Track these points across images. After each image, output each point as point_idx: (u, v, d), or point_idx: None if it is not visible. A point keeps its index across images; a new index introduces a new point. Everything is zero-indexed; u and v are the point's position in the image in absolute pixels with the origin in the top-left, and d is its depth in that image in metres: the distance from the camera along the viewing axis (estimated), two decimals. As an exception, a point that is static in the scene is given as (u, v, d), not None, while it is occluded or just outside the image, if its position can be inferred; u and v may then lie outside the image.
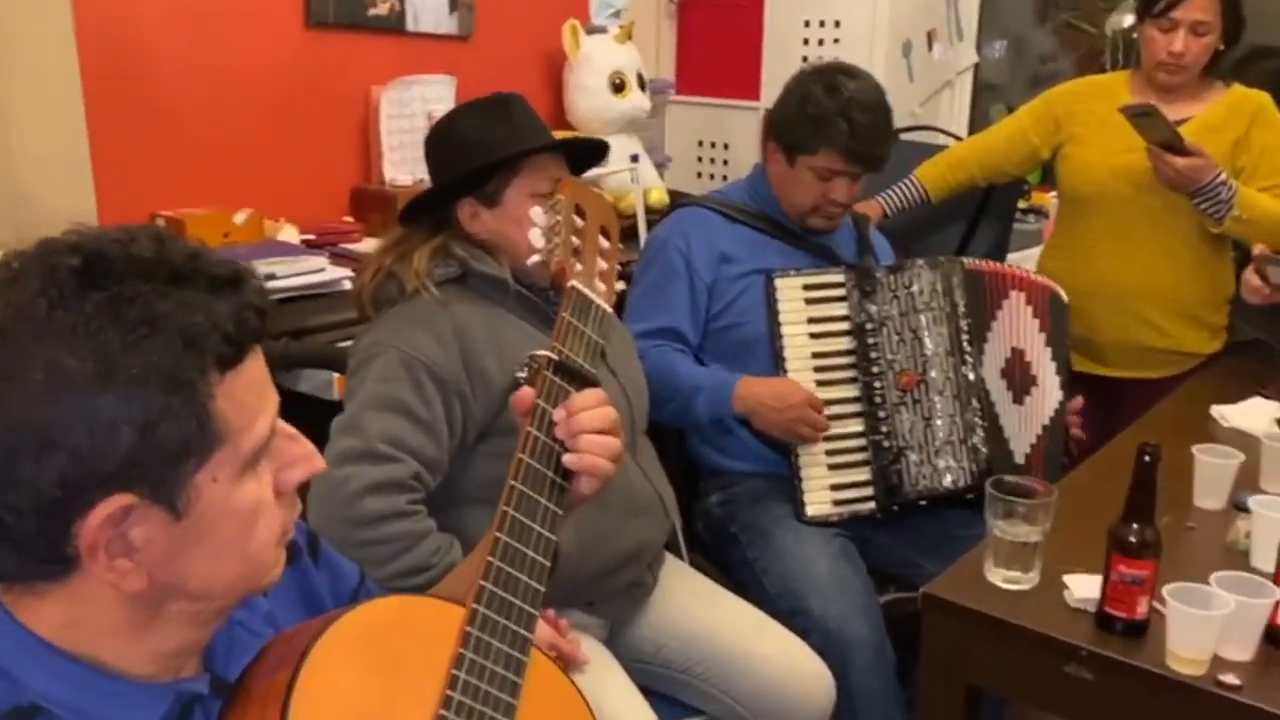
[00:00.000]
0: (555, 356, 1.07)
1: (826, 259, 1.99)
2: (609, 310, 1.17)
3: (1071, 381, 1.99)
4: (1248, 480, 1.70)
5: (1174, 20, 2.22)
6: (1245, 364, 2.32)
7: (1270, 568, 1.34)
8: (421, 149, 1.64)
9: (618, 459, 1.07)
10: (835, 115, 1.87)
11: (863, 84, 1.92)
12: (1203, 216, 2.23)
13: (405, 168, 2.60)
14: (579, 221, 1.22)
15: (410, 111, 2.62)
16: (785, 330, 1.85)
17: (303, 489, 0.83)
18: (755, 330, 1.91)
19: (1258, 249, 2.16)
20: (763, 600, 1.77)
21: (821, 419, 1.81)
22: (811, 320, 1.87)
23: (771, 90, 3.35)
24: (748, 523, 1.91)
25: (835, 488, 1.85)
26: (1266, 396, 2.05)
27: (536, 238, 1.20)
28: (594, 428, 1.05)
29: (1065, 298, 1.99)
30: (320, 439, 1.45)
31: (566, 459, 1.04)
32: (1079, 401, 2.02)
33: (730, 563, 1.92)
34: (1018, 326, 1.95)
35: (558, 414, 1.02)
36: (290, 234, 2.35)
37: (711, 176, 3.57)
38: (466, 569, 1.13)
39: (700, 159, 3.61)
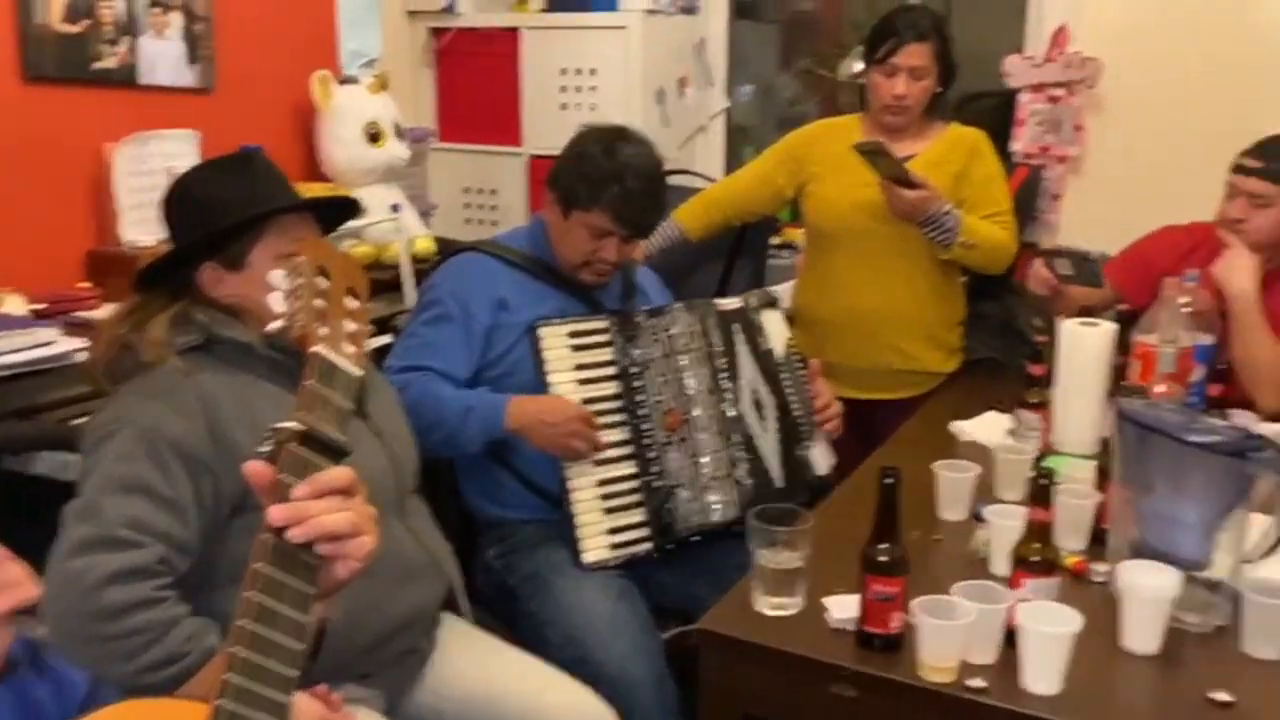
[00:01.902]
0: (299, 428, 1.02)
1: (592, 306, 2.02)
2: (360, 374, 1.14)
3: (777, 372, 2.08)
4: (987, 490, 1.83)
5: (894, 66, 2.40)
6: (979, 381, 2.52)
7: (1007, 572, 1.45)
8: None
9: (367, 556, 1.02)
10: (610, 178, 1.92)
11: (641, 151, 1.97)
12: (933, 244, 2.41)
13: (146, 228, 2.45)
14: (322, 282, 1.17)
15: (149, 168, 2.47)
16: (552, 379, 1.85)
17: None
18: (528, 380, 1.90)
19: (1047, 243, 2.35)
20: (547, 652, 1.76)
21: (595, 434, 1.82)
22: (579, 367, 1.88)
23: (533, 137, 3.42)
24: (527, 574, 1.90)
25: (612, 531, 1.86)
26: (998, 410, 2.22)
27: (277, 302, 1.14)
28: (334, 530, 0.99)
29: (741, 304, 2.10)
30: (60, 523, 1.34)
31: (318, 547, 0.98)
32: (816, 365, 2.12)
33: (512, 617, 1.90)
34: (744, 360, 2.04)
35: (298, 490, 0.97)
36: (16, 304, 2.16)
37: (480, 223, 3.56)
38: (221, 660, 1.05)
39: (468, 205, 3.60)
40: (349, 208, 1.64)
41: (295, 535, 0.95)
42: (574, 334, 1.89)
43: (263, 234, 1.48)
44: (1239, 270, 2.18)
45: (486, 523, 2.03)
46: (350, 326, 1.19)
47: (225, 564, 1.41)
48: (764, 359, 2.05)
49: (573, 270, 2.01)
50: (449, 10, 3.45)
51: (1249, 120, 2.53)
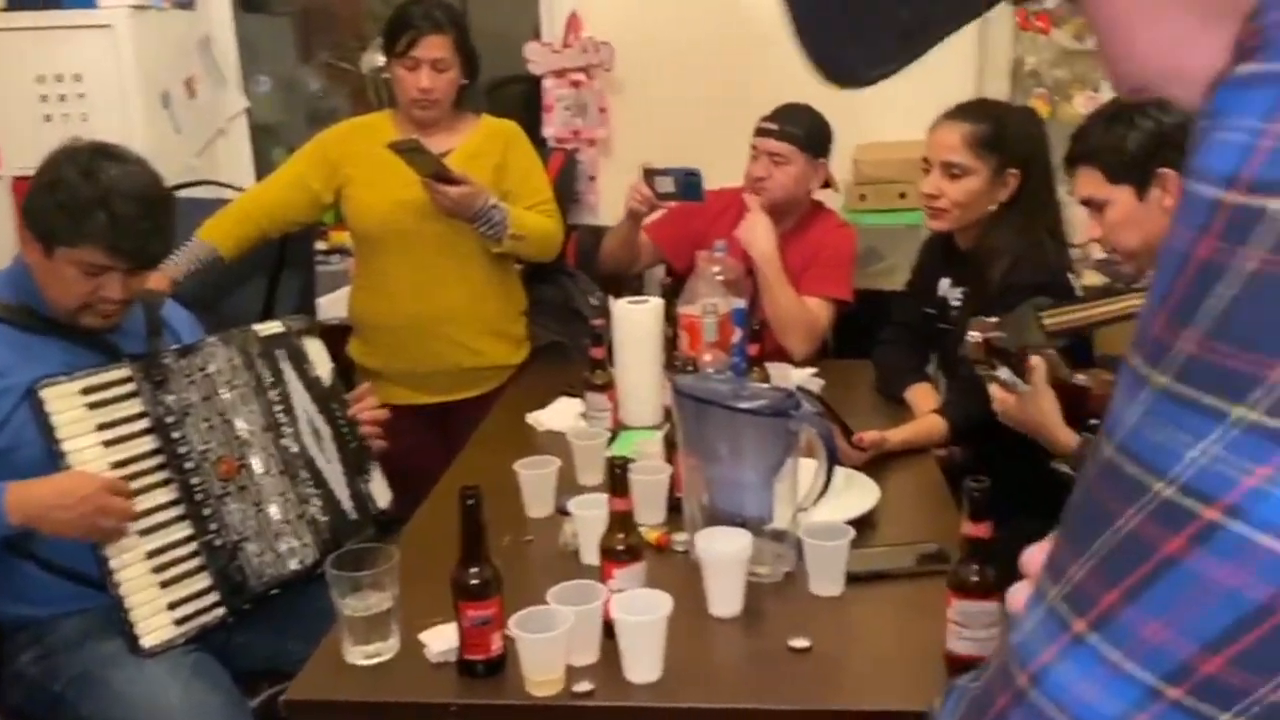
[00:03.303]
0: None
1: (108, 353, 1.75)
2: None
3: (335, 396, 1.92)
4: (572, 477, 1.83)
5: (416, 59, 2.33)
6: (548, 367, 2.54)
7: (598, 561, 1.45)
8: None
9: None
10: (94, 205, 1.63)
11: (129, 170, 1.69)
12: (484, 239, 2.38)
13: None
14: None
15: None
16: (67, 447, 1.58)
17: None
18: (37, 453, 1.61)
19: (645, 162, 2.41)
20: (110, 761, 1.52)
21: (124, 504, 1.59)
22: (101, 427, 1.62)
23: (12, 157, 2.93)
24: (75, 675, 1.62)
25: (173, 606, 1.64)
26: (570, 394, 2.24)
27: None
28: None
29: (283, 328, 1.90)
30: None
31: None
32: (364, 388, 2.01)
33: (62, 728, 1.62)
34: (295, 389, 1.86)
35: None
36: None
37: (-44, 264, 3.01)
38: None
39: (-64, 245, 3.03)
40: None
41: None
42: (88, 389, 1.62)
43: None
44: (760, 232, 2.38)
45: (13, 625, 1.71)
46: None
47: None
48: (314, 386, 1.88)
49: (73, 316, 1.72)
50: (-126, 12, 2.85)
51: (750, 90, 2.78)
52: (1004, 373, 1.73)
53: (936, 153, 2.12)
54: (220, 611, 1.69)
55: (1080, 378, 1.87)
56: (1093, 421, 1.86)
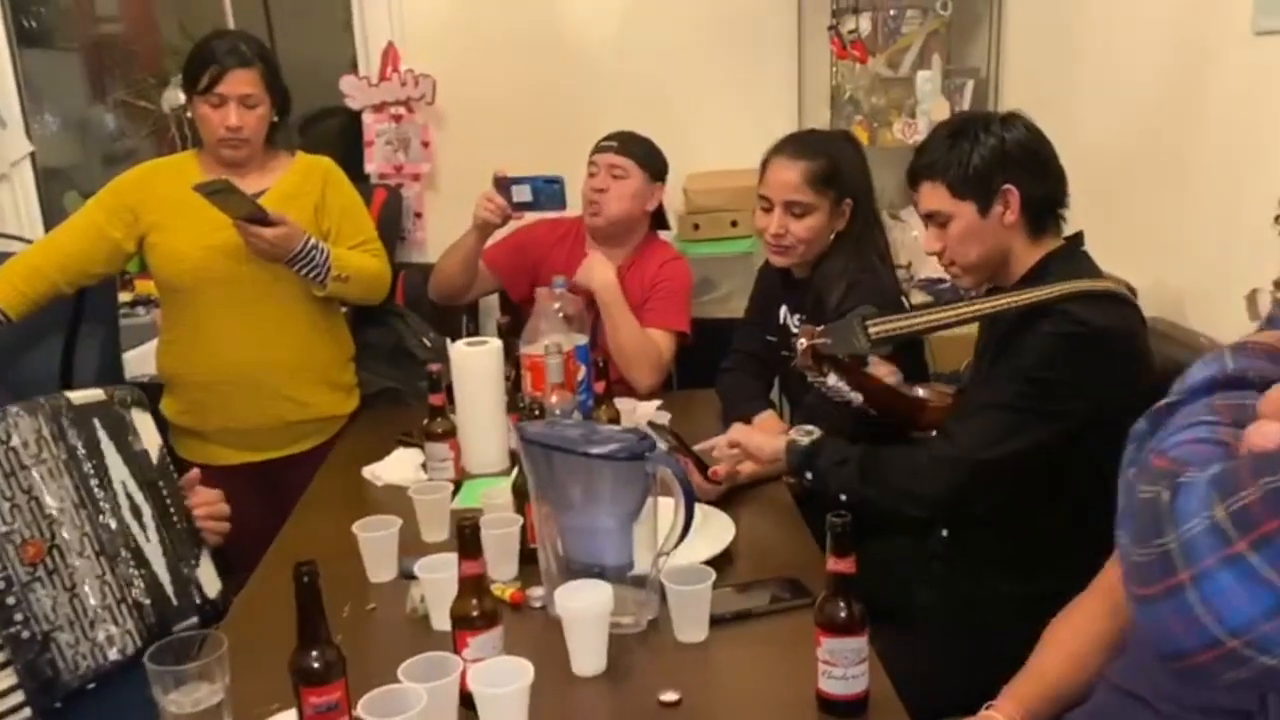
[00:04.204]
0: None
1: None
2: None
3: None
4: (415, 536, 1.73)
5: (222, 96, 2.19)
6: (382, 414, 2.42)
7: (449, 627, 1.36)
8: None
9: None
10: None
11: None
12: (306, 283, 2.24)
13: None
14: None
15: None
16: None
17: None
18: None
19: (499, 171, 2.34)
20: None
21: None
22: (-127, 519, 1.42)
23: None
24: None
25: (-31, 712, 1.45)
26: (407, 444, 2.13)
27: None
28: None
29: (104, 396, 1.69)
30: None
31: None
32: (194, 475, 1.81)
33: None
34: (113, 461, 1.66)
35: None
36: None
37: None
38: None
39: None
40: None
41: None
42: None
43: None
44: (595, 267, 2.35)
45: None
46: None
47: None
48: (137, 460, 1.69)
49: None
50: None
51: (577, 117, 2.75)
52: (832, 378, 1.77)
53: (778, 193, 2.13)
54: (26, 713, 1.51)
55: (920, 391, 1.92)
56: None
